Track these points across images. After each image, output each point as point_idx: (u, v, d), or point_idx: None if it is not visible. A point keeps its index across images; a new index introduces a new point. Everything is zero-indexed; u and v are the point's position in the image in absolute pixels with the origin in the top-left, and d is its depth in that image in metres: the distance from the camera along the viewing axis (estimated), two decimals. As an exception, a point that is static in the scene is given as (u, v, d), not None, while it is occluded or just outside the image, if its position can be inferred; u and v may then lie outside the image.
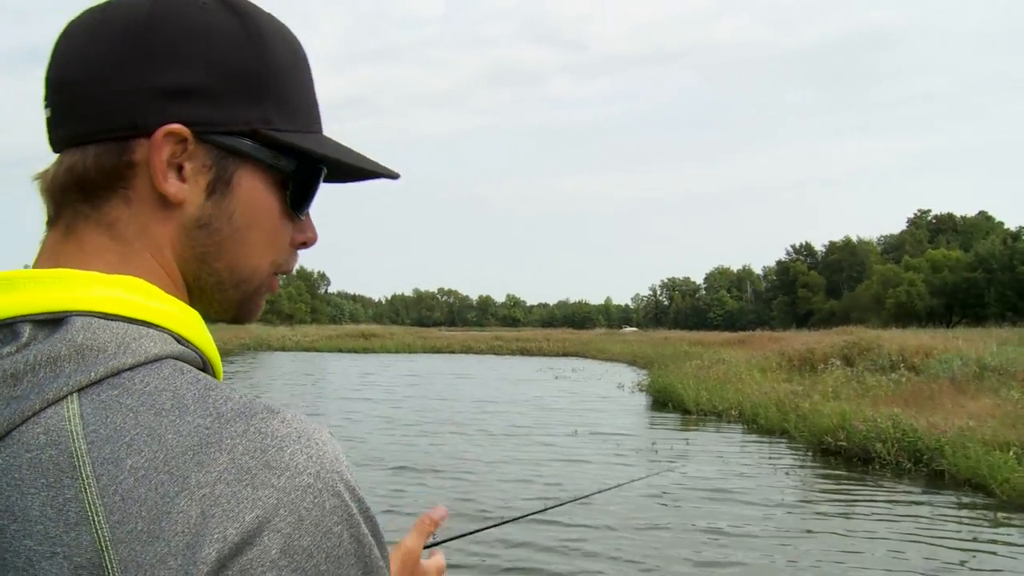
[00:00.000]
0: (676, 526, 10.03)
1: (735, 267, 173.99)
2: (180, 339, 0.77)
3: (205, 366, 0.80)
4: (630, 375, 35.21)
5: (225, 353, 55.70)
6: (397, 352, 60.81)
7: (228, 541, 0.65)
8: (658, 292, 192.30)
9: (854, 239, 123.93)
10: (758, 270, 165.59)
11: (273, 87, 0.83)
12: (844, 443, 14.12)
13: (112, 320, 0.73)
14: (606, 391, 29.20)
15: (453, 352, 61.56)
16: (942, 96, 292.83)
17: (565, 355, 58.15)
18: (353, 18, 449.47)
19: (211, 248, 0.83)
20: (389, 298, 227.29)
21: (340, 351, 61.30)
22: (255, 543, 0.65)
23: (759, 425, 18.32)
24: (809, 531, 9.98)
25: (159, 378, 0.71)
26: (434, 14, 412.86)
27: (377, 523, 0.75)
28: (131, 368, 0.70)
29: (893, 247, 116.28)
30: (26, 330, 0.71)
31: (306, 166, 0.87)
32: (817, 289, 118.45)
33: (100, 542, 0.64)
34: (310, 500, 0.68)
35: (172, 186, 0.78)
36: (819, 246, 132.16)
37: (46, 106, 0.82)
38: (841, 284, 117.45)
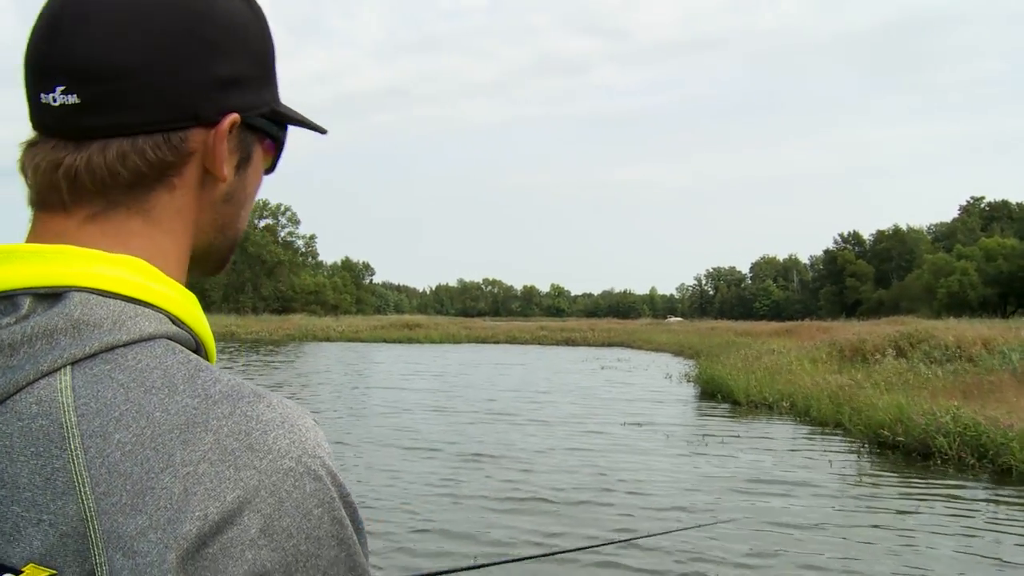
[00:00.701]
0: (734, 518, 9.79)
1: (781, 256, 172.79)
2: (176, 320, 0.78)
3: (199, 348, 0.81)
4: (677, 365, 34.78)
5: (271, 343, 56.45)
6: (442, 343, 60.86)
7: (209, 519, 0.66)
8: (703, 282, 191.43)
9: (903, 227, 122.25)
10: (804, 259, 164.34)
11: (274, 66, 0.91)
12: (902, 437, 13.67)
13: (110, 298, 0.74)
14: (653, 381, 28.91)
15: (498, 342, 61.50)
16: (996, 80, 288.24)
17: (610, 345, 57.88)
18: (397, 9, 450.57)
19: (231, 218, 0.89)
20: (433, 288, 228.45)
21: (385, 341, 61.39)
22: (235, 522, 0.67)
23: (812, 417, 17.93)
24: (875, 525, 9.66)
25: (151, 356, 0.72)
26: (479, 4, 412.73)
27: (356, 509, 0.77)
28: (125, 345, 0.72)
29: (944, 235, 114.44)
30: (26, 302, 0.73)
31: (284, 130, 0.94)
32: (866, 278, 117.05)
33: (85, 512, 0.66)
34: (291, 482, 0.70)
35: (226, 170, 0.83)
36: (867, 235, 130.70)
37: (64, 92, 0.78)
38: (890, 273, 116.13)
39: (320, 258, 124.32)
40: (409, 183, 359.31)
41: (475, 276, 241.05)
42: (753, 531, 9.32)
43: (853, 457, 13.85)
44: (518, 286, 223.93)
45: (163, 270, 0.80)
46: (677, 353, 46.33)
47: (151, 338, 0.74)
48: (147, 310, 0.76)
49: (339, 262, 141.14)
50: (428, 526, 9.44)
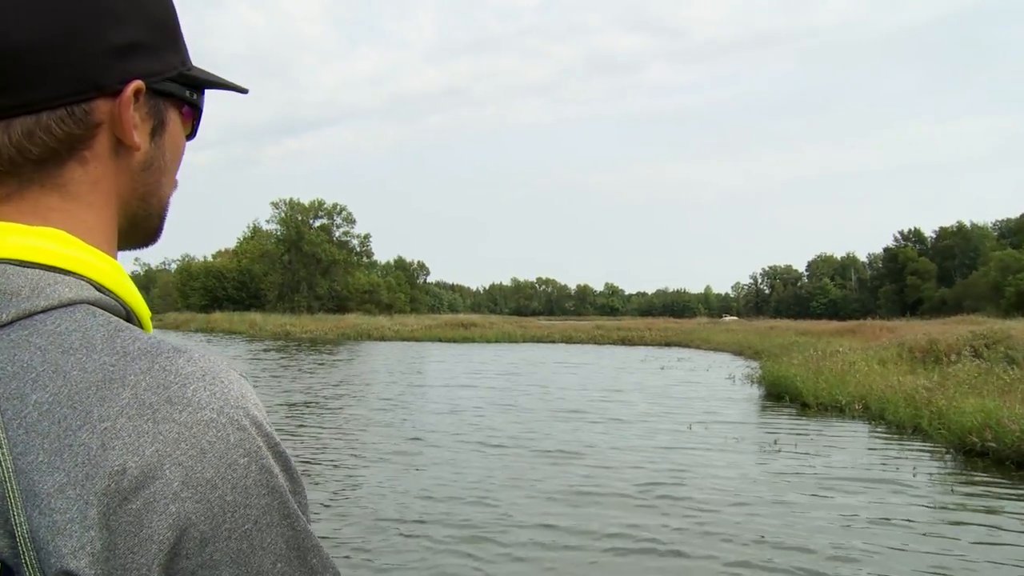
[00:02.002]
0: (813, 526, 9.42)
1: (838, 254, 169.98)
2: (100, 287, 0.79)
3: (130, 317, 0.82)
4: (738, 366, 34.09)
5: (326, 342, 56.51)
6: (497, 342, 60.43)
7: (128, 474, 0.66)
8: (759, 280, 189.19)
9: (967, 224, 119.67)
10: (863, 257, 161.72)
11: (179, 32, 0.91)
12: (993, 443, 12.93)
13: (28, 267, 0.75)
14: (716, 382, 28.37)
15: (554, 342, 60.88)
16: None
17: (668, 345, 57.03)
18: (450, 10, 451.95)
19: (151, 186, 0.89)
20: (487, 287, 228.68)
21: (440, 340, 61.09)
22: (157, 476, 0.67)
23: (887, 421, 17.30)
24: (970, 537, 9.10)
25: (70, 320, 0.73)
26: (531, 4, 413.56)
27: (289, 459, 0.76)
28: (44, 311, 0.72)
29: (1011, 232, 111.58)
30: None
31: (202, 95, 0.95)
32: (928, 276, 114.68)
33: (3, 472, 0.66)
34: (212, 434, 0.70)
35: (137, 137, 0.83)
36: (929, 232, 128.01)
37: None
38: (953, 271, 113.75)
39: (375, 257, 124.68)
40: (463, 183, 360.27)
41: (529, 275, 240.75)
42: (838, 537, 8.93)
43: (938, 463, 13.21)
44: (572, 285, 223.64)
45: (88, 243, 0.81)
46: (737, 353, 45.71)
47: (71, 303, 0.74)
48: (67, 277, 0.76)
49: (393, 261, 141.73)
50: (508, 521, 9.44)
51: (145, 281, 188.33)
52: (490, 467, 12.77)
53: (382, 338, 63.52)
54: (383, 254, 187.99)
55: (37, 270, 0.75)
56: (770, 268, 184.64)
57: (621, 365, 37.39)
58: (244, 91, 1.03)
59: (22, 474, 0.66)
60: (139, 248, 0.97)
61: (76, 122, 0.79)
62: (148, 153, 0.87)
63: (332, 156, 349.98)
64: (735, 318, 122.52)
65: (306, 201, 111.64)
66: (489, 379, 29.24)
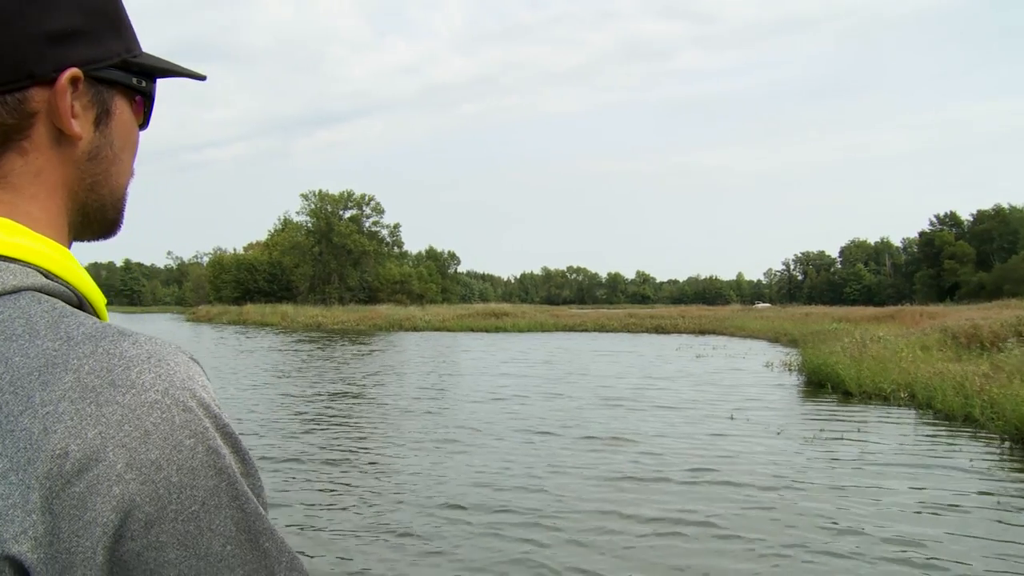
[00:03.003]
0: (867, 511, 9.16)
1: (872, 240, 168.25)
2: (48, 275, 0.78)
3: (82, 304, 0.81)
4: (775, 353, 33.67)
5: (358, 333, 56.49)
6: (529, 331, 60.19)
7: (70, 457, 0.65)
8: (791, 267, 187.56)
9: (1005, 207, 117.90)
10: (897, 242, 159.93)
11: (122, 18, 0.89)
12: (1052, 432, 12.41)
13: None
14: (753, 370, 28.02)
15: (586, 330, 60.51)
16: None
17: (702, 332, 56.47)
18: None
19: (100, 176, 0.88)
20: (518, 277, 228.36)
21: (471, 330, 61.00)
22: (100, 458, 0.66)
23: (935, 409, 16.84)
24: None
25: (15, 307, 0.72)
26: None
27: (238, 440, 0.76)
28: None
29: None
30: None
31: (152, 82, 0.94)
32: (966, 260, 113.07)
33: None
34: (157, 415, 0.69)
35: (76, 126, 0.82)
36: (965, 215, 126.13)
37: None
38: (991, 255, 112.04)
39: (405, 248, 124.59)
40: (494, 172, 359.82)
41: (560, 264, 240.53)
42: (894, 522, 8.75)
43: (993, 452, 12.86)
44: (603, 273, 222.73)
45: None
46: (772, 340, 45.29)
47: (16, 291, 0.74)
48: (12, 265, 0.76)
49: (424, 252, 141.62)
50: (558, 506, 9.31)
51: (177, 274, 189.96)
52: (536, 453, 12.72)
53: (414, 328, 63.52)
54: (414, 244, 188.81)
55: None
56: (803, 254, 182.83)
57: (657, 353, 37.04)
58: (202, 78, 1.02)
59: None
60: (99, 239, 0.96)
61: (10, 111, 0.78)
62: (93, 142, 0.86)
63: (363, 147, 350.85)
64: (768, 305, 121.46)
65: (336, 192, 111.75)
66: (527, 367, 29.13)
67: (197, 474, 0.70)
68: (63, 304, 0.76)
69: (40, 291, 0.75)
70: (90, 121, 0.85)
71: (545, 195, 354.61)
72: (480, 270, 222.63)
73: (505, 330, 60.45)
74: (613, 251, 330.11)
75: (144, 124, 0.96)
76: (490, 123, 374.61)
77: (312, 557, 7.86)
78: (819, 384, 22.06)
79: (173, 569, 0.68)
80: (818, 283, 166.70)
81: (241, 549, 0.72)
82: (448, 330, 61.49)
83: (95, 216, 0.91)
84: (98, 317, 0.83)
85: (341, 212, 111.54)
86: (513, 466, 11.78)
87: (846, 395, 19.95)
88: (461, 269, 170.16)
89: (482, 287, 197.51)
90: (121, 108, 0.89)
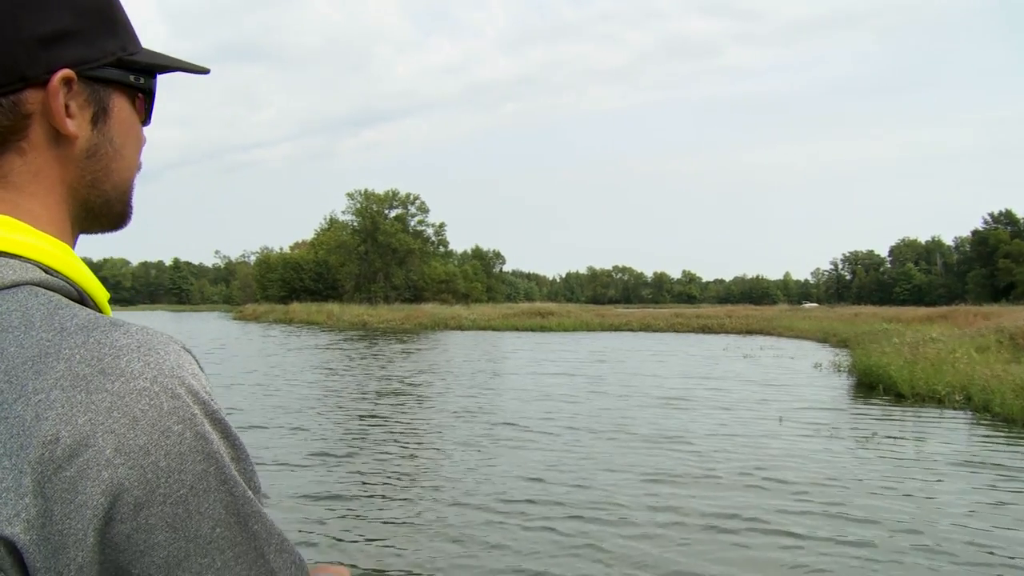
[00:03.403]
0: (930, 512, 8.91)
1: (923, 238, 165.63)
2: (48, 270, 0.81)
3: (83, 298, 0.83)
4: (824, 354, 33.18)
5: (403, 332, 56.48)
6: (575, 330, 59.91)
7: (61, 442, 0.68)
8: (839, 266, 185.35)
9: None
10: (948, 241, 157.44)
11: (117, 17, 0.91)
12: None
13: None
14: (802, 371, 27.66)
15: (632, 330, 60.13)
16: None
17: (749, 332, 55.88)
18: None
19: (100, 172, 0.90)
20: (563, 276, 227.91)
21: (516, 329, 60.85)
22: (90, 444, 0.68)
23: (992, 413, 16.46)
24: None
25: (13, 301, 0.75)
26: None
27: (228, 425, 0.78)
28: None
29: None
30: None
31: (153, 79, 0.96)
32: (1021, 260, 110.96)
33: None
34: (145, 402, 0.71)
35: (71, 125, 0.84)
36: (1021, 213, 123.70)
37: None
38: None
39: (451, 247, 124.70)
40: (538, 171, 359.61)
41: (605, 263, 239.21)
42: (960, 521, 8.53)
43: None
44: (648, 272, 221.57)
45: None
46: (821, 341, 44.73)
47: (15, 285, 0.76)
48: (12, 261, 0.78)
49: (469, 251, 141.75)
50: (613, 502, 9.20)
51: (225, 273, 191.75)
52: (586, 452, 12.66)
53: (459, 327, 63.51)
54: (459, 243, 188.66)
55: None
56: (851, 253, 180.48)
57: (705, 353, 36.79)
58: (204, 71, 1.02)
59: None
60: (107, 232, 0.98)
61: (5, 114, 0.80)
62: (91, 140, 0.88)
63: (408, 147, 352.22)
64: (815, 305, 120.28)
65: (381, 191, 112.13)
66: (574, 366, 28.98)
67: (185, 459, 0.71)
68: (60, 297, 0.78)
69: (39, 286, 0.78)
70: (87, 120, 0.87)
71: (590, 194, 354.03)
72: (525, 269, 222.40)
73: (550, 329, 60.24)
74: (659, 250, 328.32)
75: (146, 120, 0.98)
76: (534, 122, 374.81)
77: (363, 550, 7.88)
78: (870, 386, 21.74)
79: (163, 551, 0.70)
80: (867, 283, 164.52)
81: (230, 531, 0.74)
82: (493, 329, 61.47)
83: (101, 210, 0.93)
84: (102, 310, 0.87)
85: (386, 211, 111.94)
86: (563, 464, 11.75)
87: (898, 397, 19.59)
88: (506, 268, 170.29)
89: (527, 286, 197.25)
90: (120, 106, 0.91)
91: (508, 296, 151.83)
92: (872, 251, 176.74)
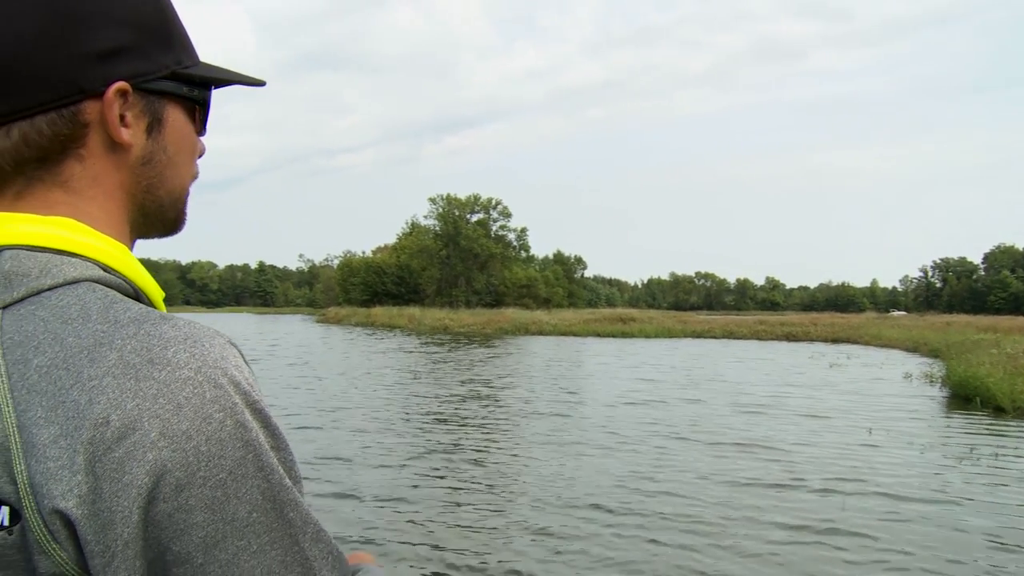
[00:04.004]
0: None
1: (1020, 244, 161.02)
2: (106, 268, 0.87)
3: (139, 296, 0.90)
4: (914, 364, 32.35)
5: (484, 336, 56.58)
6: (657, 337, 59.34)
7: (111, 425, 0.73)
8: (930, 273, 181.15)
9: None
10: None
11: (172, 32, 0.96)
12: None
13: (39, 251, 0.84)
14: (892, 380, 26.90)
15: (714, 337, 59.29)
16: None
17: (835, 341, 54.73)
18: (610, 3, 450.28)
19: (154, 179, 0.96)
20: (645, 282, 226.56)
21: (598, 335, 60.53)
22: (136, 427, 0.74)
23: (1102, 428, 15.58)
24: None
25: (73, 295, 0.81)
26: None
27: (268, 415, 0.83)
28: (50, 288, 0.81)
29: None
30: None
31: (207, 91, 1.02)
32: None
33: (8, 428, 0.75)
34: (189, 390, 0.76)
35: (125, 134, 0.90)
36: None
37: None
38: None
39: (532, 252, 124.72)
40: (621, 176, 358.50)
41: (687, 269, 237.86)
42: None
43: None
44: (731, 279, 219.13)
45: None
46: (911, 350, 43.53)
47: (75, 281, 0.82)
48: (74, 259, 0.85)
49: (551, 255, 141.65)
50: (695, 509, 8.80)
51: (308, 277, 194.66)
52: (671, 458, 12.48)
53: (540, 332, 63.53)
54: (541, 248, 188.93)
55: (47, 254, 0.84)
56: (942, 260, 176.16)
57: (790, 361, 36.18)
58: (260, 83, 1.07)
59: (23, 428, 0.75)
60: (163, 237, 1.04)
61: (65, 123, 0.86)
62: (145, 148, 0.93)
63: (491, 152, 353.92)
64: (903, 313, 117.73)
65: (463, 196, 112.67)
66: (659, 372, 28.75)
67: (225, 444, 0.76)
68: (116, 293, 0.84)
69: (97, 282, 0.84)
70: (142, 129, 0.92)
71: (673, 198, 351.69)
72: (607, 275, 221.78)
73: (632, 336, 59.82)
74: (742, 256, 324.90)
75: (202, 130, 1.03)
76: (618, 126, 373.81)
77: (445, 550, 7.87)
78: (966, 398, 20.96)
79: (201, 531, 0.75)
80: (959, 291, 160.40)
81: (266, 517, 0.79)
82: (574, 335, 61.28)
83: (155, 215, 0.99)
84: (157, 307, 0.92)
85: (468, 216, 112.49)
86: (648, 469, 11.66)
87: (998, 411, 18.87)
88: (587, 273, 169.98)
89: (608, 292, 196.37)
90: (174, 116, 0.97)
91: (589, 301, 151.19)
92: (965, 258, 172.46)
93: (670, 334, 60.89)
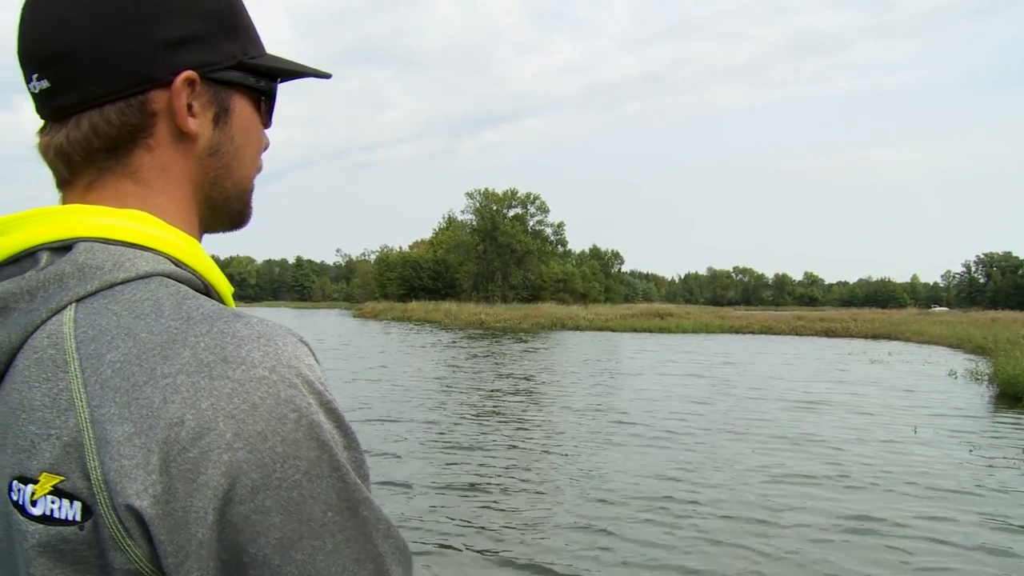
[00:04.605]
0: None
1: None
2: (177, 263, 0.87)
3: (208, 291, 0.89)
4: (959, 361, 31.91)
5: (521, 331, 56.51)
6: (694, 332, 58.98)
7: (186, 425, 0.73)
8: (973, 268, 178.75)
9: None
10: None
11: (240, 22, 0.96)
12: None
13: (112, 244, 0.83)
14: (936, 379, 26.47)
15: (752, 332, 58.77)
16: None
17: (875, 337, 54.04)
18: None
19: (221, 170, 0.96)
20: (682, 277, 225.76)
21: (635, 331, 60.08)
22: (211, 427, 0.73)
23: None
24: None
25: (145, 290, 0.80)
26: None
27: (341, 415, 0.82)
28: (123, 282, 0.81)
29: None
30: (44, 256, 0.83)
31: (274, 82, 1.01)
32: None
33: (82, 423, 0.74)
34: (264, 390, 0.75)
35: (192, 124, 0.90)
36: None
37: (38, 79, 0.88)
38: None
39: (569, 246, 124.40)
40: (658, 171, 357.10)
41: (725, 264, 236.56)
42: None
43: None
44: (769, 274, 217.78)
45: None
46: (954, 347, 42.81)
47: (147, 275, 0.82)
48: (146, 253, 0.84)
49: (588, 251, 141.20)
50: (739, 503, 8.77)
51: (345, 271, 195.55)
52: (722, 453, 12.45)
53: (576, 328, 63.24)
54: (578, 243, 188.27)
55: (120, 247, 0.84)
56: (986, 255, 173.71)
57: (830, 357, 35.80)
58: (326, 76, 1.07)
59: (97, 424, 0.74)
60: (228, 231, 1.03)
61: (134, 112, 0.87)
62: (212, 139, 0.93)
63: (528, 147, 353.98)
64: (945, 309, 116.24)
65: (500, 191, 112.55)
66: (700, 367, 28.61)
67: (300, 445, 0.75)
68: (187, 289, 0.83)
69: (168, 277, 0.83)
70: (209, 119, 0.92)
71: (711, 193, 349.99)
72: (643, 269, 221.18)
73: (669, 331, 59.40)
74: (780, 251, 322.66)
75: (267, 123, 1.02)
76: (656, 121, 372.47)
77: (496, 539, 7.86)
78: (1015, 396, 20.54)
79: (277, 532, 0.74)
80: (1003, 286, 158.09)
81: (341, 516, 0.78)
82: (611, 330, 60.97)
83: (222, 208, 0.99)
84: (226, 302, 0.91)
85: (505, 211, 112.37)
86: (696, 463, 11.69)
87: (1049, 409, 18.47)
88: (624, 268, 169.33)
89: (646, 287, 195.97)
90: (241, 107, 0.96)
91: (626, 296, 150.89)
92: (1010, 252, 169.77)
93: (707, 330, 60.42)
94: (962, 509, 9.43)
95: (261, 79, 0.98)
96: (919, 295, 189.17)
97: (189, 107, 0.90)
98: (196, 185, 0.94)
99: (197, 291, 0.86)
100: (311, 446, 0.76)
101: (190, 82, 0.89)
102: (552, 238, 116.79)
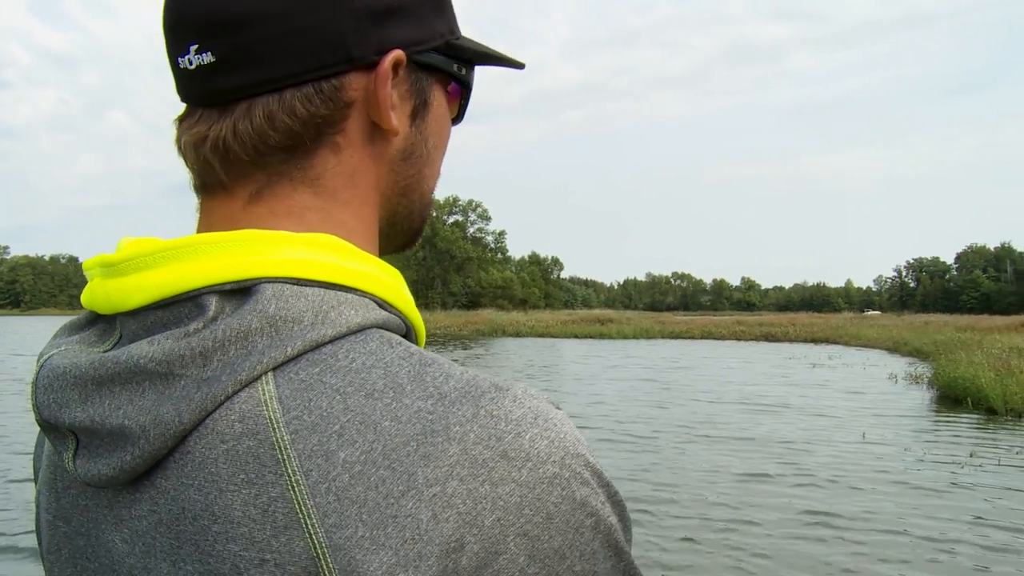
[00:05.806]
0: None
1: (992, 245, 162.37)
2: (382, 303, 0.68)
3: (408, 333, 0.71)
4: (897, 364, 32.19)
5: (461, 338, 56.30)
6: (635, 338, 58.77)
7: (467, 550, 0.56)
8: (903, 273, 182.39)
9: None
10: (1020, 247, 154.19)
11: None
12: None
13: (306, 286, 0.63)
14: (876, 383, 26.44)
15: (693, 338, 58.85)
16: None
17: (813, 341, 54.42)
18: (586, 5, 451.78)
19: (412, 179, 0.77)
20: (621, 283, 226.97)
21: (575, 336, 59.93)
22: (500, 551, 0.57)
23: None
24: None
25: (365, 352, 0.61)
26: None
27: (624, 507, 0.66)
28: (331, 341, 0.61)
29: None
30: (212, 302, 0.62)
31: (472, 70, 0.81)
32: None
33: (315, 548, 0.56)
34: (558, 493, 0.59)
35: (394, 119, 0.71)
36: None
37: (197, 52, 0.66)
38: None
39: (509, 253, 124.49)
40: (598, 178, 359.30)
41: (664, 270, 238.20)
42: None
43: None
44: (707, 280, 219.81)
45: None
46: (891, 350, 43.23)
47: (360, 329, 0.63)
48: (351, 296, 0.65)
49: (527, 257, 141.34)
50: (694, 504, 8.44)
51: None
52: (678, 455, 12.04)
53: (516, 334, 62.90)
54: (517, 250, 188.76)
55: (317, 289, 0.64)
56: (915, 260, 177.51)
57: (771, 362, 35.85)
58: (520, 66, 0.87)
59: (339, 550, 0.55)
60: (398, 252, 0.83)
61: (324, 100, 0.67)
62: (408, 139, 0.74)
63: (467, 154, 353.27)
64: (879, 313, 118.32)
65: (440, 198, 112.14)
66: (644, 372, 28.41)
67: (597, 558, 0.62)
68: (417, 347, 0.65)
69: (382, 327, 0.65)
70: (406, 114, 0.73)
71: (649, 200, 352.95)
72: (583, 275, 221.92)
73: (610, 337, 59.24)
74: (718, 257, 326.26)
75: (458, 119, 0.83)
76: (596, 129, 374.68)
77: None
78: (955, 400, 20.57)
79: None
80: (932, 290, 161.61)
81: None
82: (551, 336, 60.64)
83: (403, 225, 0.79)
84: (419, 343, 0.74)
85: (445, 218, 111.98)
86: (656, 465, 11.70)
87: (990, 412, 18.53)
88: (564, 275, 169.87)
89: (585, 293, 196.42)
90: (439, 100, 0.77)
91: (566, 302, 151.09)
92: (938, 258, 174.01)
93: (648, 335, 60.28)
94: (918, 504, 9.27)
95: (463, 66, 0.78)
96: (853, 299, 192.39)
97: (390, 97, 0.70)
98: (384, 197, 0.75)
99: (403, 337, 0.68)
100: (609, 555, 0.63)
101: (395, 66, 0.69)
102: (493, 246, 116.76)
